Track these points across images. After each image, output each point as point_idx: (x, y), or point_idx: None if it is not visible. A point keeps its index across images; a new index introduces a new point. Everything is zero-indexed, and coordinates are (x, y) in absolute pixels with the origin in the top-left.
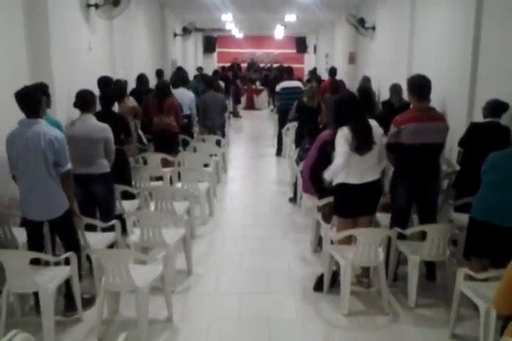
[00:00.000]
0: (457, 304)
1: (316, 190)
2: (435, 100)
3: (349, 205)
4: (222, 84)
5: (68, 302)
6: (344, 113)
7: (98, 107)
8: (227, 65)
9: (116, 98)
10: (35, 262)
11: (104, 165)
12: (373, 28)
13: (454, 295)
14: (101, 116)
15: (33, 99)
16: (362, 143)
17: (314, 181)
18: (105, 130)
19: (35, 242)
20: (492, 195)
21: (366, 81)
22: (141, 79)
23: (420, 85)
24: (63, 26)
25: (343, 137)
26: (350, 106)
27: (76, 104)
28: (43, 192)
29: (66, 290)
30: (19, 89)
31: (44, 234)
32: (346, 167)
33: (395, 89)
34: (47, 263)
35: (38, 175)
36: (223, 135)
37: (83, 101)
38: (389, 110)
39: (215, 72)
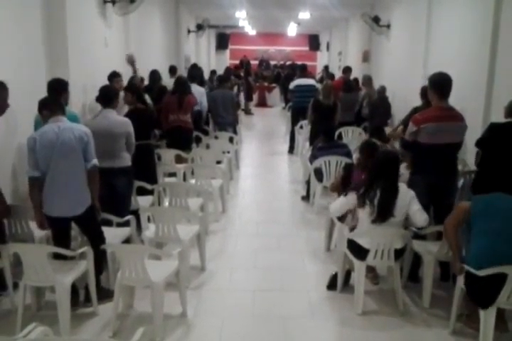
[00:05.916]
0: (458, 301)
1: None
2: (451, 99)
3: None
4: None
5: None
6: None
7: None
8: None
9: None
10: (59, 257)
11: (126, 159)
12: (388, 26)
13: (455, 292)
14: (133, 111)
15: (50, 98)
16: (377, 213)
17: None
18: (126, 125)
19: (61, 239)
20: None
21: (368, 79)
22: (154, 75)
23: (441, 83)
24: (80, 22)
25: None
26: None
27: (98, 99)
28: (74, 187)
29: (96, 281)
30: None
31: (70, 230)
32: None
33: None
34: (72, 258)
35: (72, 170)
36: (235, 132)
37: (106, 97)
38: None
39: (227, 69)
